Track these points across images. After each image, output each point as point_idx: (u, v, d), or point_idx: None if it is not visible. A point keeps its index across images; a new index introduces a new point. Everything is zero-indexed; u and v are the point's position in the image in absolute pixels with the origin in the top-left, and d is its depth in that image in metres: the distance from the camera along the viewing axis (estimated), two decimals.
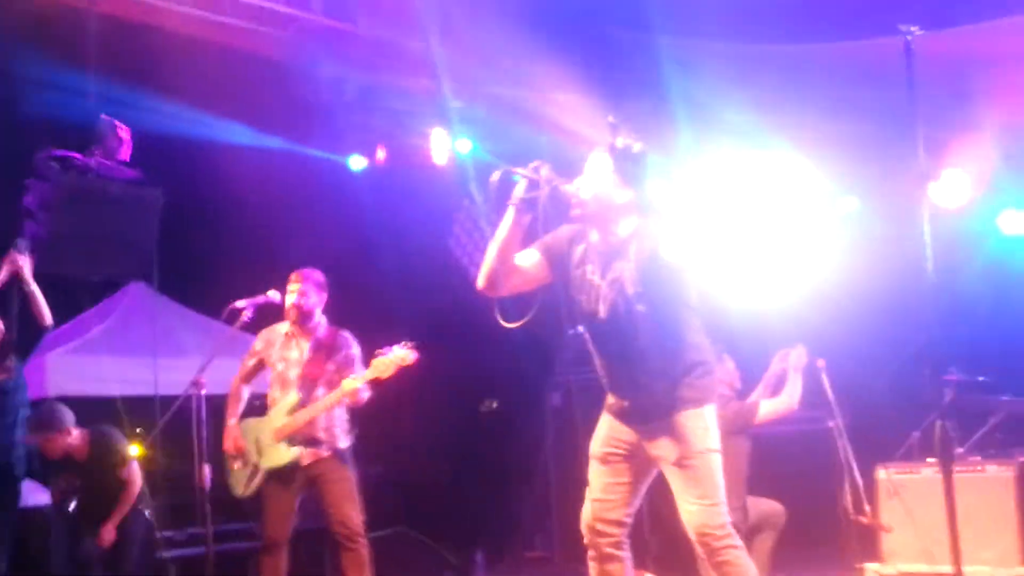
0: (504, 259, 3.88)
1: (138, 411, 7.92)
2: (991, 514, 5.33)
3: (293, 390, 5.59)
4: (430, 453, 8.13)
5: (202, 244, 7.76)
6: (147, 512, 6.60)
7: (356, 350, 5.70)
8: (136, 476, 6.42)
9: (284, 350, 5.70)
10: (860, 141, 6.43)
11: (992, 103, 5.93)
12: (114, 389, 7.82)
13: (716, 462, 3.84)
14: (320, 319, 5.73)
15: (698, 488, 3.80)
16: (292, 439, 5.53)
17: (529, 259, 3.96)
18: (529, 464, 8.03)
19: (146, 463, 7.99)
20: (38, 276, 5.90)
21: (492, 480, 8.19)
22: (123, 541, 6.34)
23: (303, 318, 5.66)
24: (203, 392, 5.35)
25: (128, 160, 5.87)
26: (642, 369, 3.88)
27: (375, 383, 5.48)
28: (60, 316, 8.08)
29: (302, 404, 5.55)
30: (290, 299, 5.65)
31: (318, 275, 5.72)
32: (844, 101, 6.09)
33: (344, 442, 5.66)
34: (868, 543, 5.80)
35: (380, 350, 5.39)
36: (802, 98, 6.00)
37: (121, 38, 5.67)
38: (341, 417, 5.67)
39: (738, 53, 5.81)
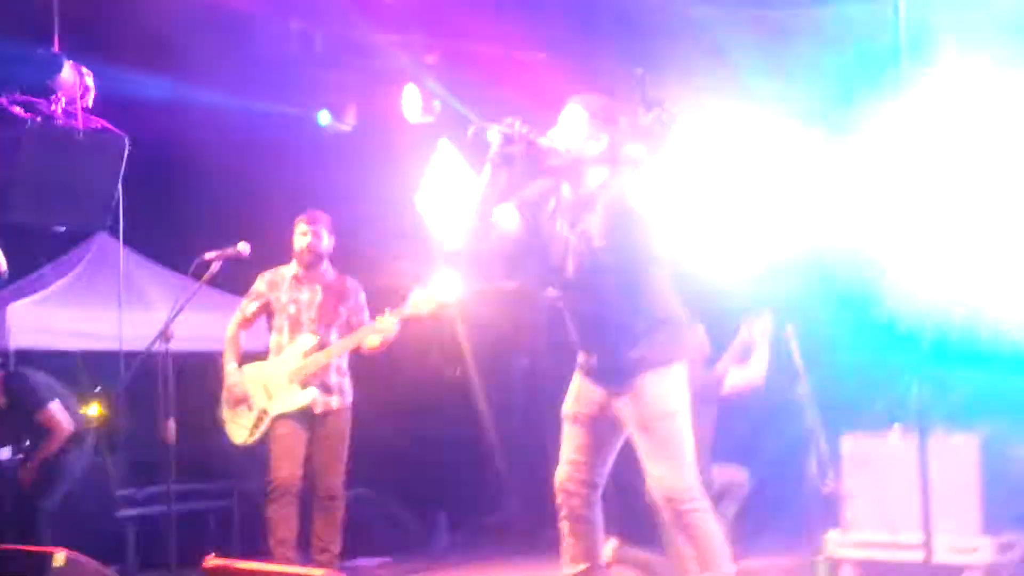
0: (482, 217, 3.87)
1: (101, 366, 7.83)
2: (953, 482, 5.34)
3: (308, 332, 5.50)
4: (393, 417, 8.08)
5: (170, 197, 7.67)
6: (98, 461, 6.53)
7: (363, 297, 5.66)
8: (58, 420, 6.30)
9: (294, 292, 5.60)
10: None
11: None
12: (77, 343, 7.71)
13: (682, 424, 3.82)
14: (328, 263, 5.66)
15: (663, 451, 3.79)
16: (307, 382, 5.43)
17: (505, 216, 3.94)
18: (495, 429, 8.01)
19: (107, 420, 7.96)
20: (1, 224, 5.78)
21: (456, 445, 8.16)
22: (46, 480, 6.24)
23: (316, 260, 5.58)
24: (170, 344, 5.27)
25: (92, 106, 5.75)
26: (608, 325, 3.87)
27: (408, 322, 5.38)
28: (19, 267, 7.98)
29: (319, 346, 5.45)
30: (303, 241, 5.58)
31: (327, 218, 5.66)
32: (822, 66, 6.05)
33: (350, 396, 5.59)
34: (831, 511, 5.83)
35: (418, 287, 5.33)
36: (782, 63, 5.96)
37: None
38: (348, 369, 5.60)
39: (721, 17, 5.76)
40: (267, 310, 5.66)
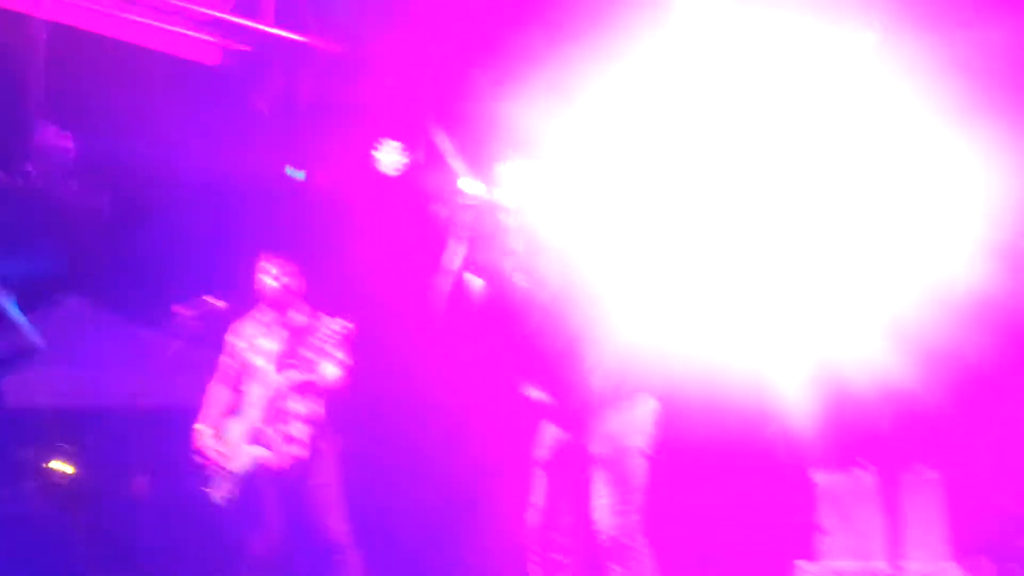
0: (462, 287, 3.94)
1: (71, 423, 7.74)
2: (920, 510, 5.54)
3: (263, 383, 5.29)
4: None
5: (143, 253, 7.61)
6: None
7: (338, 338, 5.38)
8: None
9: (260, 341, 5.40)
10: None
11: None
12: (47, 400, 7.62)
13: (633, 462, 3.91)
14: (299, 305, 5.44)
15: (608, 488, 3.86)
16: (266, 438, 5.20)
17: (473, 284, 4.05)
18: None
19: (74, 478, 7.86)
20: None
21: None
22: None
23: (287, 303, 5.38)
24: (144, 401, 5.22)
25: (70, 166, 5.76)
26: (565, 363, 3.93)
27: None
28: None
29: (280, 398, 5.23)
30: (274, 283, 5.36)
31: (294, 260, 5.48)
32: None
33: (325, 441, 5.33)
34: (803, 543, 5.96)
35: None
36: None
37: (66, 45, 5.56)
38: (318, 411, 5.33)
39: None
40: (242, 363, 5.45)
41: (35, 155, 5.64)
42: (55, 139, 5.62)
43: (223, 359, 5.53)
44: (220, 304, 5.54)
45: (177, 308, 5.64)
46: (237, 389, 5.51)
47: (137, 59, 5.81)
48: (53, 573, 6.73)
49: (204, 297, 5.62)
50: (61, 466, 7.91)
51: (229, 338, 5.52)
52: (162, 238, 7.36)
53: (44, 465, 8.03)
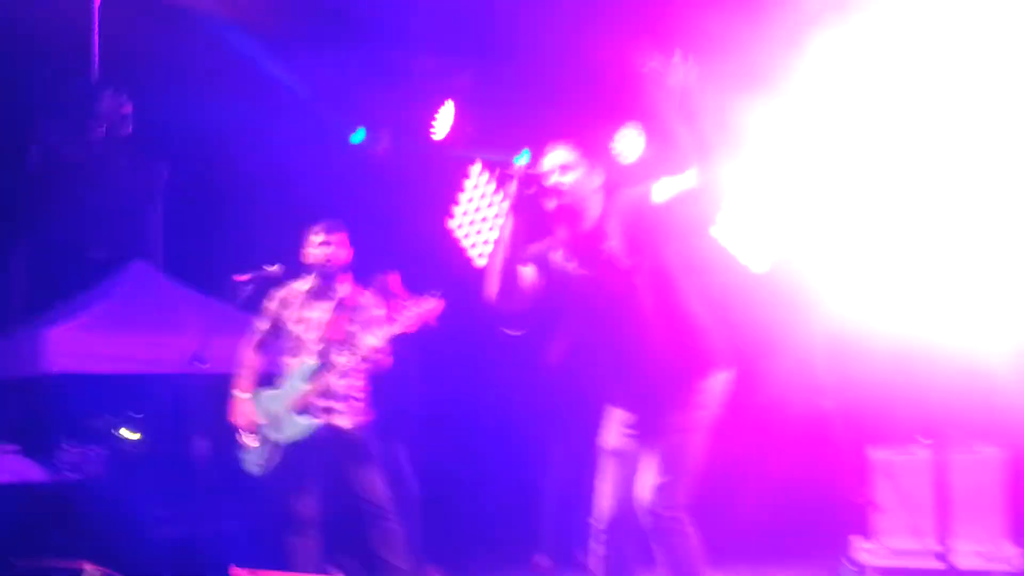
0: (513, 267, 3.87)
1: (137, 389, 7.94)
2: (978, 493, 5.43)
3: (310, 354, 5.25)
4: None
5: (206, 222, 7.73)
6: None
7: (381, 311, 5.36)
8: None
9: (304, 310, 5.33)
10: None
11: None
12: (114, 367, 7.82)
13: (692, 442, 3.82)
14: (346, 277, 5.38)
15: (660, 464, 3.79)
16: (310, 408, 5.18)
17: (529, 273, 3.97)
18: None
19: (142, 442, 8.08)
20: (41, 250, 5.92)
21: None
22: None
23: (336, 274, 5.31)
24: (206, 366, 5.22)
25: (130, 134, 5.86)
26: (653, 346, 3.84)
27: (399, 339, 5.17)
28: (57, 292, 8.15)
29: (321, 370, 5.20)
30: (320, 252, 5.29)
31: (343, 227, 5.38)
32: None
33: (365, 415, 5.33)
34: (859, 521, 5.88)
35: (403, 303, 5.15)
36: None
37: (124, 12, 5.65)
38: (361, 387, 5.32)
39: None
40: (278, 331, 5.38)
41: (98, 124, 5.73)
42: (115, 106, 5.71)
43: (258, 324, 5.45)
44: (276, 270, 5.55)
45: (236, 276, 5.62)
46: (276, 356, 5.48)
47: (191, 26, 5.87)
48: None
49: (262, 265, 5.63)
50: (128, 432, 8.15)
51: (269, 304, 5.43)
52: (221, 204, 7.50)
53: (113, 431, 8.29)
